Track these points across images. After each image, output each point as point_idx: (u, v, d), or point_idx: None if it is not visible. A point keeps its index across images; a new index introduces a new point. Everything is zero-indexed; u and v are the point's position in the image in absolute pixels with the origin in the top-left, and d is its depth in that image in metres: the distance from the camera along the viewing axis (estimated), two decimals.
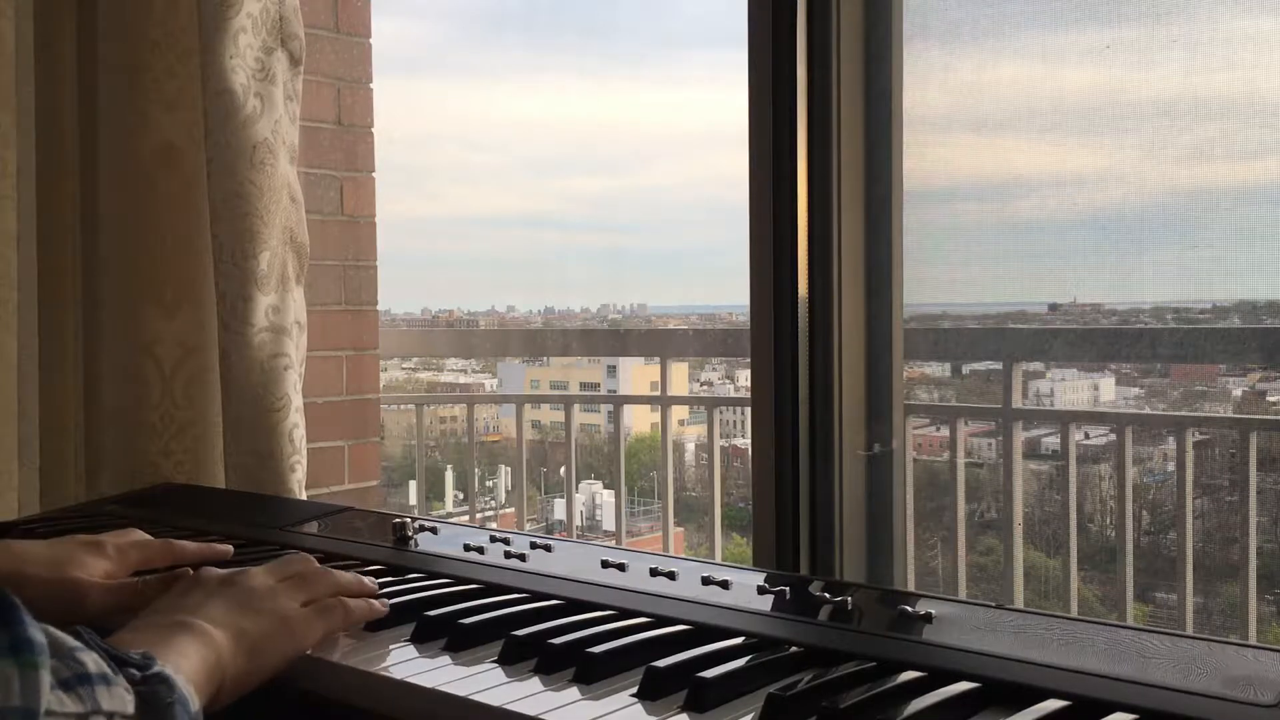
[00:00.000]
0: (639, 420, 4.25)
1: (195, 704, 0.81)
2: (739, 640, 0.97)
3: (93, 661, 0.71)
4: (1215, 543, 2.91)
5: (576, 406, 4.11)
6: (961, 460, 2.85)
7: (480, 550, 1.27)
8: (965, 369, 3.01)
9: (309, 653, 1.01)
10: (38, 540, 1.19)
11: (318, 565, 1.10)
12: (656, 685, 0.88)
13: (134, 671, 0.76)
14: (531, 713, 0.86)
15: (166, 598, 1.00)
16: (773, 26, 1.90)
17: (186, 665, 0.86)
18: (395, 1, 3.38)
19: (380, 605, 1.08)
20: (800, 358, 1.93)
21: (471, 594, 1.13)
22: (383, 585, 1.18)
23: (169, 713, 0.75)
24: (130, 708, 0.72)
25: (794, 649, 0.95)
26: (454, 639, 1.01)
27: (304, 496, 1.97)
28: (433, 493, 4.28)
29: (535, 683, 0.92)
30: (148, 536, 1.24)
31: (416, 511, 3.52)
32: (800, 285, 1.92)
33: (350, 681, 0.97)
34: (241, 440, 1.91)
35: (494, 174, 4.76)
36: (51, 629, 0.71)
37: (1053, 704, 0.82)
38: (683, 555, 2.78)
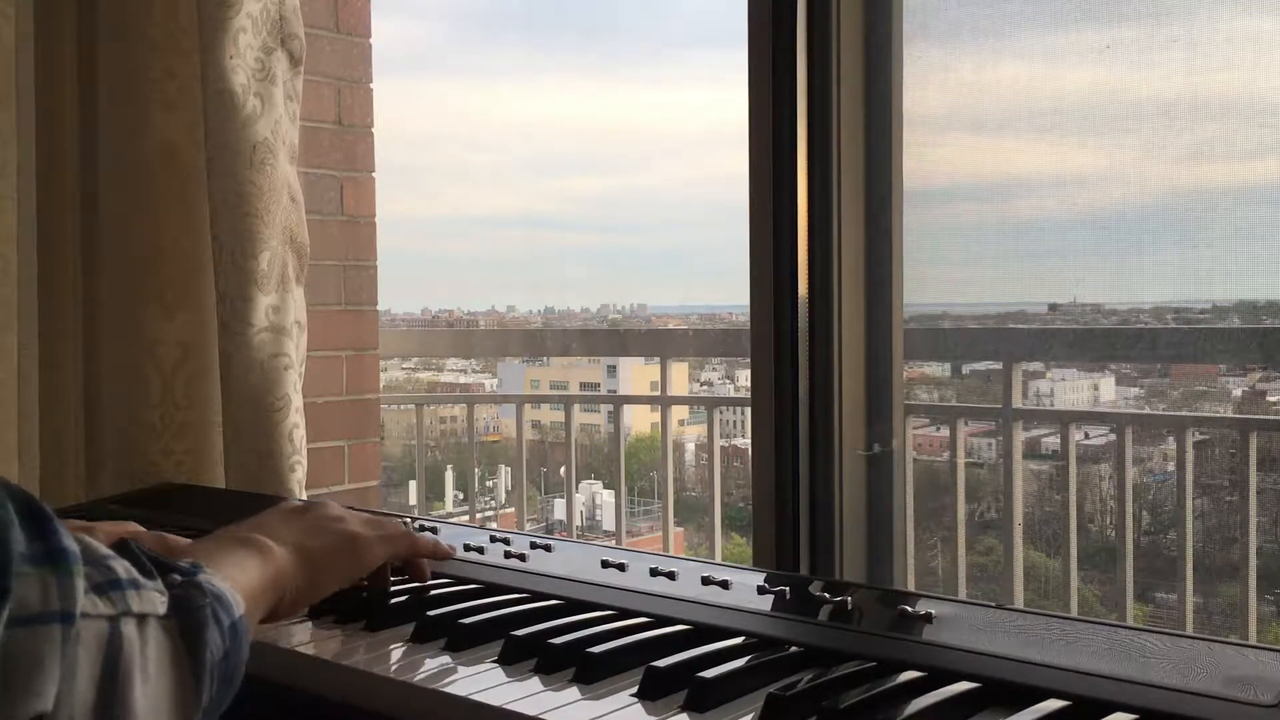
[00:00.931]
0: (639, 420, 4.25)
1: (239, 609, 0.83)
2: (739, 640, 0.97)
3: (123, 568, 0.74)
4: (1215, 543, 2.91)
5: (576, 406, 4.11)
6: (961, 460, 2.85)
7: (480, 550, 1.27)
8: (965, 369, 3.00)
9: (311, 654, 1.01)
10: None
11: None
12: (656, 685, 0.88)
13: (175, 577, 0.79)
14: (531, 712, 0.86)
15: (244, 521, 1.05)
16: (773, 26, 1.90)
17: (243, 577, 0.89)
18: (395, 1, 3.38)
19: (447, 546, 1.19)
20: (800, 358, 1.93)
21: (471, 594, 1.13)
22: None
23: (202, 614, 0.77)
24: (162, 609, 0.75)
25: (794, 649, 0.95)
26: (454, 639, 1.01)
27: (304, 496, 1.97)
28: (433, 493, 4.28)
29: (535, 682, 0.92)
30: (141, 529, 1.25)
31: (416, 511, 3.52)
32: (800, 285, 1.92)
33: (350, 681, 0.97)
34: (241, 440, 1.91)
35: (494, 174, 4.76)
36: (85, 538, 0.74)
37: (1053, 704, 0.82)
38: (683, 555, 2.78)
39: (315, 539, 1.02)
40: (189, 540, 1.27)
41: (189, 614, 0.77)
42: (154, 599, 0.75)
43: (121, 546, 0.77)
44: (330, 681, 0.99)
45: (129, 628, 0.71)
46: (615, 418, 4.00)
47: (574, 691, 0.90)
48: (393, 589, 1.16)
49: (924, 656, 0.91)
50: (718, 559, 3.15)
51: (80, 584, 0.68)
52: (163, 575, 0.78)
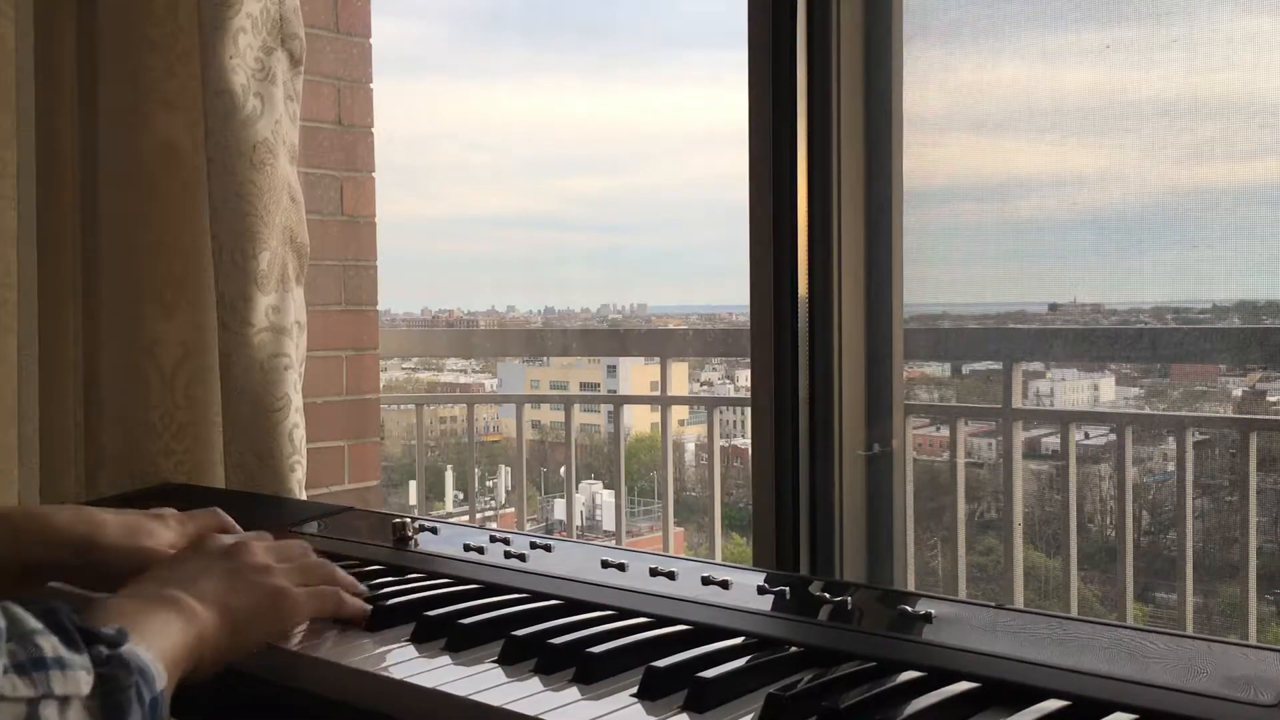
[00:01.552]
0: (639, 420, 4.25)
1: (161, 682, 0.82)
2: (739, 640, 0.97)
3: (50, 646, 0.73)
4: (1215, 543, 2.91)
5: (576, 406, 4.11)
6: (961, 460, 2.85)
7: (480, 550, 1.27)
8: (965, 369, 3.01)
9: (311, 654, 1.01)
10: (111, 510, 1.23)
11: (315, 555, 1.13)
12: (656, 685, 0.88)
13: (101, 649, 0.78)
14: (531, 713, 0.86)
15: (165, 565, 1.02)
16: (773, 26, 1.90)
17: (165, 642, 0.87)
18: (395, 1, 3.38)
19: (365, 608, 1.09)
20: (800, 358, 1.93)
21: (471, 594, 1.13)
22: (382, 585, 1.18)
23: (125, 696, 0.76)
24: (85, 689, 0.74)
25: (794, 649, 0.95)
26: (454, 639, 1.01)
27: (304, 496, 1.97)
28: (433, 493, 4.28)
29: (535, 683, 0.92)
30: (224, 515, 1.29)
31: (416, 511, 3.52)
32: (800, 285, 1.92)
33: (350, 681, 0.97)
34: (241, 440, 1.91)
35: (494, 174, 4.76)
36: (15, 609, 0.73)
37: (1053, 704, 0.82)
38: (683, 555, 2.78)
39: (239, 596, 0.99)
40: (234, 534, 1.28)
41: (112, 694, 0.76)
42: (78, 679, 0.74)
43: (50, 616, 0.76)
44: (330, 681, 0.99)
45: (49, 710, 0.71)
46: (615, 418, 4.00)
47: (574, 691, 0.90)
48: (392, 589, 1.16)
49: (924, 656, 0.91)
50: (718, 559, 3.15)
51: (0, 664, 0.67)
52: (90, 646, 0.76)
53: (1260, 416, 2.75)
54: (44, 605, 0.77)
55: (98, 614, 0.87)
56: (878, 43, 1.98)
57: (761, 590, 1.09)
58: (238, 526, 1.29)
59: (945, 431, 2.87)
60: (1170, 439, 2.89)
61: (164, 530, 1.20)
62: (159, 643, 0.87)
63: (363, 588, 1.12)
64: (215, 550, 1.04)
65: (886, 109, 2.00)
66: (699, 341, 4.19)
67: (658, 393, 3.86)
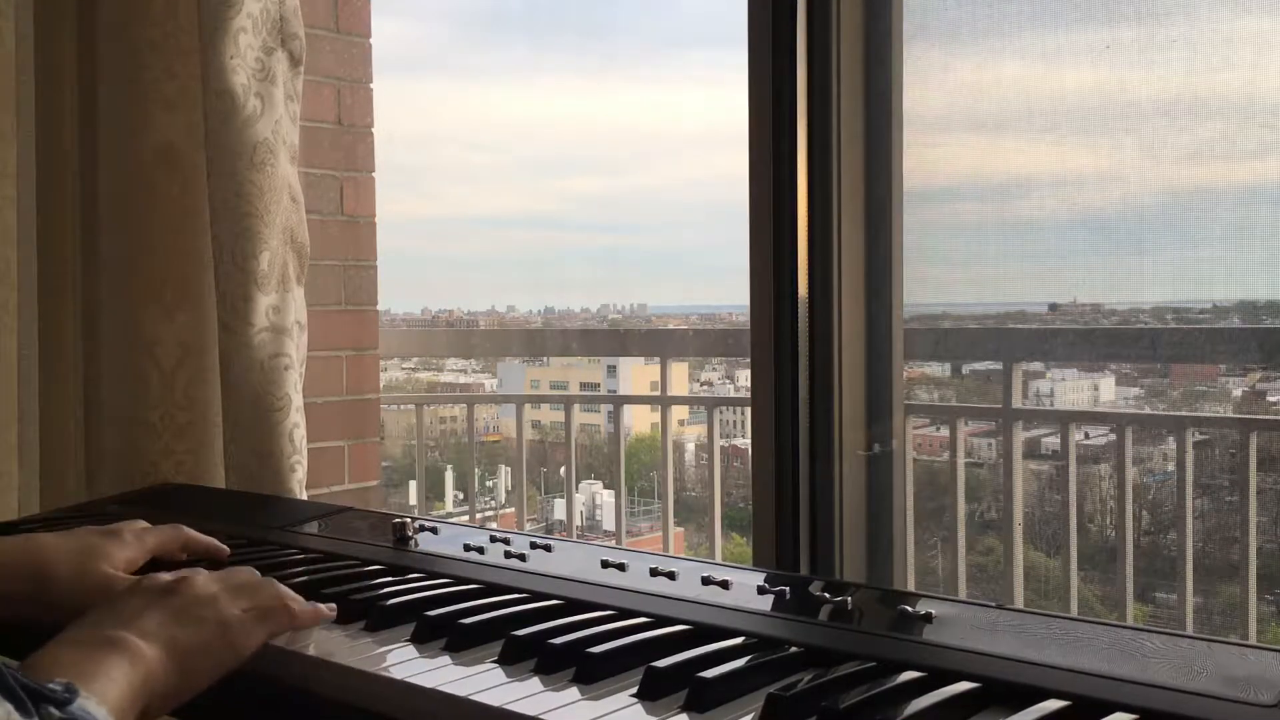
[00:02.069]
0: (639, 420, 4.25)
1: None
2: (739, 640, 0.97)
3: (4, 714, 0.72)
4: (1215, 543, 2.91)
5: (576, 406, 4.11)
6: (961, 460, 2.85)
7: (480, 550, 1.27)
8: (965, 369, 3.01)
9: (310, 654, 1.01)
10: (56, 533, 1.19)
11: (261, 576, 1.09)
12: (656, 685, 0.88)
13: (51, 710, 0.76)
14: (531, 713, 0.86)
15: (106, 604, 0.98)
16: (773, 26, 1.90)
17: (113, 690, 0.85)
18: (395, 1, 3.38)
19: (326, 608, 1.07)
20: (800, 358, 1.93)
21: (471, 594, 1.13)
22: (383, 585, 1.18)
23: None
24: None
25: (794, 649, 0.95)
26: (454, 639, 1.01)
27: (304, 496, 1.97)
28: (433, 493, 4.28)
29: (535, 683, 0.92)
30: (187, 530, 1.28)
31: (416, 511, 3.52)
32: (800, 285, 1.92)
33: (350, 681, 0.97)
34: (241, 440, 1.91)
35: (494, 174, 4.76)
36: None
37: (1053, 704, 0.82)
38: (683, 555, 2.78)
39: (186, 631, 0.95)
40: (201, 536, 1.28)
41: None
42: None
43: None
44: (329, 681, 0.99)
45: None
46: (615, 418, 4.00)
47: (574, 692, 0.90)
48: (391, 589, 1.16)
49: (924, 656, 0.91)
50: (718, 559, 3.15)
51: None
52: (39, 708, 0.75)
53: (1260, 416, 2.75)
54: None
55: (42, 666, 0.85)
56: (878, 43, 1.98)
57: (761, 590, 1.09)
58: (205, 538, 1.28)
59: (945, 431, 2.88)
60: (1170, 439, 2.89)
61: (119, 549, 1.17)
62: (108, 691, 0.84)
63: (325, 609, 1.08)
64: (157, 586, 1.00)
65: (886, 109, 2.00)
66: (699, 341, 4.19)
67: (658, 393, 3.86)
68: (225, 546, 1.30)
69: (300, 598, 1.07)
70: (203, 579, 1.01)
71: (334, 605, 1.07)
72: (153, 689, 0.90)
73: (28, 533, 1.47)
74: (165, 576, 1.01)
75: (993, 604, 1.01)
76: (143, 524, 1.26)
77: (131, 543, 1.19)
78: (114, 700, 0.84)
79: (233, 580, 1.04)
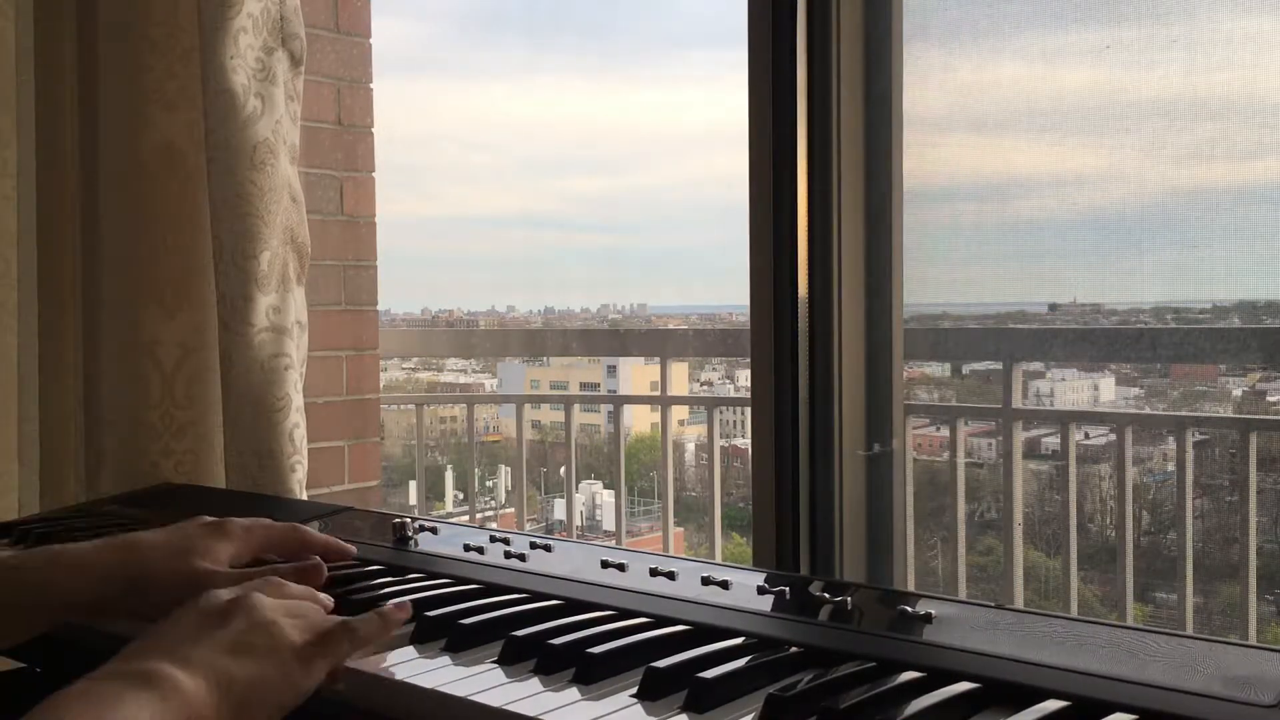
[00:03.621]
0: (639, 420, 4.25)
1: None
2: (739, 640, 0.97)
3: None
4: (1215, 543, 2.91)
5: (576, 406, 4.11)
6: (961, 460, 2.85)
7: (480, 550, 1.27)
8: (965, 369, 3.01)
9: None
10: (158, 529, 1.13)
11: (322, 582, 1.04)
12: (656, 685, 0.88)
13: None
14: (531, 713, 0.86)
15: (155, 628, 0.88)
16: (773, 26, 1.90)
17: None
18: (395, 1, 3.38)
19: (394, 609, 0.97)
20: (800, 358, 1.93)
21: (471, 594, 1.13)
22: (382, 585, 1.18)
23: None
24: None
25: (794, 649, 0.95)
26: (454, 639, 1.01)
27: (304, 496, 1.97)
28: (433, 493, 4.28)
29: (535, 683, 0.92)
30: (307, 531, 1.22)
31: (416, 511, 3.52)
32: (800, 285, 1.92)
33: (350, 681, 0.97)
34: (242, 440, 1.91)
35: (494, 174, 4.77)
36: None
37: (1053, 704, 0.82)
38: (683, 555, 2.78)
39: (242, 665, 0.84)
40: (321, 535, 1.22)
41: None
42: None
43: None
44: (327, 682, 0.99)
45: None
46: (615, 418, 4.00)
47: (574, 692, 0.90)
48: (391, 589, 1.16)
49: (924, 657, 0.91)
50: (718, 559, 3.15)
51: None
52: None
53: (1260, 416, 2.75)
54: None
55: (58, 710, 0.76)
56: (878, 43, 1.98)
57: (761, 590, 1.09)
58: (324, 537, 1.22)
59: (945, 431, 2.88)
60: (1170, 439, 2.89)
61: (221, 544, 1.11)
62: None
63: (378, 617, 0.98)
64: (214, 606, 0.89)
65: (886, 109, 2.00)
66: (699, 341, 4.20)
67: (658, 393, 3.86)
68: (350, 547, 1.23)
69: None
70: (261, 598, 0.91)
71: (405, 603, 0.99)
72: None
73: (25, 533, 1.47)
74: (223, 594, 0.91)
75: (993, 604, 1.01)
76: (265, 521, 1.19)
77: (237, 536, 1.13)
78: None
79: (291, 599, 0.95)
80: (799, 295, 1.92)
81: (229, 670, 0.83)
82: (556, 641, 0.96)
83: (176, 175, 1.99)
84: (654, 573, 1.15)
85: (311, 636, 0.90)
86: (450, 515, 4.10)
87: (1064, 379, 3.04)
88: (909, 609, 0.99)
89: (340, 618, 0.93)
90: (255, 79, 1.89)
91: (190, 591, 0.95)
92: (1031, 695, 0.83)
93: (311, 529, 1.23)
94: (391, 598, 1.11)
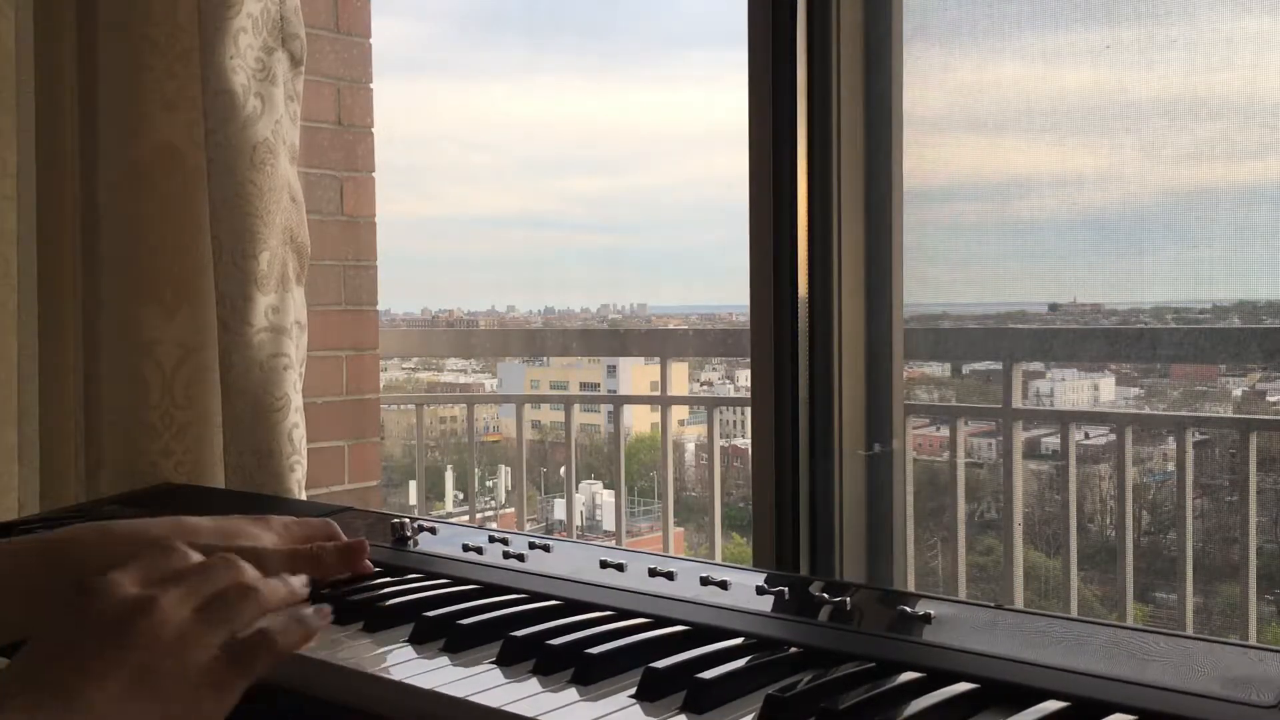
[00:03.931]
0: (639, 420, 4.25)
1: None
2: (738, 641, 0.97)
3: None
4: (1215, 543, 2.91)
5: (576, 406, 4.11)
6: (961, 460, 2.85)
7: (479, 550, 1.27)
8: (965, 369, 3.01)
9: (308, 655, 1.01)
10: (209, 518, 1.14)
11: (244, 574, 0.83)
12: (655, 686, 0.88)
13: None
14: (530, 714, 0.86)
15: (37, 644, 0.74)
16: (773, 26, 1.90)
17: None
18: (395, 1, 3.38)
19: (314, 616, 0.84)
20: (800, 358, 1.93)
21: (470, 594, 1.13)
22: (382, 585, 1.17)
23: None
24: None
25: (793, 649, 0.95)
26: (453, 639, 1.01)
27: (304, 496, 1.97)
28: (433, 493, 4.29)
29: (534, 683, 0.92)
30: (336, 527, 1.21)
31: (416, 511, 3.52)
32: (800, 285, 1.92)
33: (348, 683, 0.97)
34: (241, 440, 1.91)
35: (494, 174, 4.77)
36: None
37: (1053, 704, 0.82)
38: (682, 555, 2.78)
39: (151, 701, 0.72)
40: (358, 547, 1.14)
41: None
42: None
43: None
44: (327, 682, 0.99)
45: None
46: (615, 418, 4.00)
47: (572, 692, 0.90)
48: (388, 590, 1.16)
49: (924, 657, 0.91)
50: (718, 559, 3.15)
51: None
52: None
53: (1260, 416, 2.75)
54: None
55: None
56: (878, 43, 1.98)
57: (761, 591, 1.08)
58: (350, 540, 1.16)
59: (945, 431, 2.88)
60: (1170, 439, 2.89)
61: (264, 532, 1.12)
62: None
63: (302, 589, 0.87)
64: (110, 611, 0.74)
65: (886, 109, 2.00)
66: (699, 341, 4.20)
67: (658, 393, 3.86)
68: (369, 565, 1.16)
69: (291, 584, 0.85)
70: (170, 599, 0.76)
71: (325, 608, 0.86)
72: None
73: (25, 533, 1.47)
74: (126, 591, 0.76)
75: (993, 604, 1.01)
76: (304, 520, 1.18)
77: (278, 529, 1.13)
78: None
79: (209, 585, 0.79)
80: (799, 295, 1.92)
81: (127, 714, 0.71)
82: (555, 642, 0.96)
83: (176, 175, 1.99)
84: (653, 573, 1.15)
85: (224, 654, 0.76)
86: (450, 515, 4.10)
87: (1064, 379, 3.04)
88: (909, 609, 0.99)
89: (261, 625, 0.80)
90: (255, 79, 1.89)
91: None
92: (1031, 695, 0.83)
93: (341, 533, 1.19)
94: (390, 598, 1.11)
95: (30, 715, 0.68)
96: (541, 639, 0.97)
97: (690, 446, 4.07)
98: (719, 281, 4.62)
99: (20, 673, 0.72)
